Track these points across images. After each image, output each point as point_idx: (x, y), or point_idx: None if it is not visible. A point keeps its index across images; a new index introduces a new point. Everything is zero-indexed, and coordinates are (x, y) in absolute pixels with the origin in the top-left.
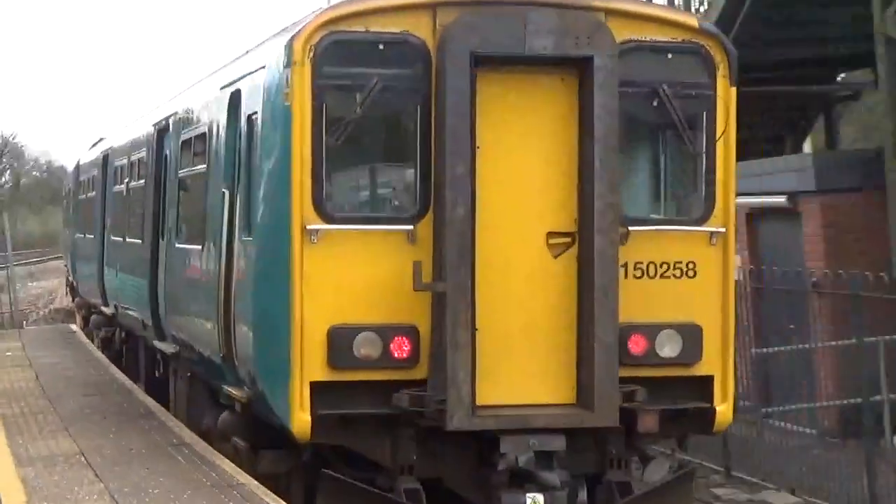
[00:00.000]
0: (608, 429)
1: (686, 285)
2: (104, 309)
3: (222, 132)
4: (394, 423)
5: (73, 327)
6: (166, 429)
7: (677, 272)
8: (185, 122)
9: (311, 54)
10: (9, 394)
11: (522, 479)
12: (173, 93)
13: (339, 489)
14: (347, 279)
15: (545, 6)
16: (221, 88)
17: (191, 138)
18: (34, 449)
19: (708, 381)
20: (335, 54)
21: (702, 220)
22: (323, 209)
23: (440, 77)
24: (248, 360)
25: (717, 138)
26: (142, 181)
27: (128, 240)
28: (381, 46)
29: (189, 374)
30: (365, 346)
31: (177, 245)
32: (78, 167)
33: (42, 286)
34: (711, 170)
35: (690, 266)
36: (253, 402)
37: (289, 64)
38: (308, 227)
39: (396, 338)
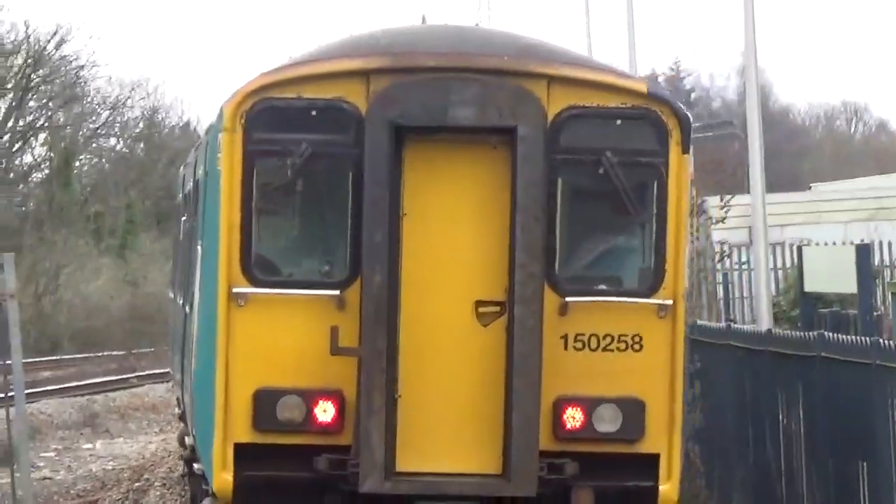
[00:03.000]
0: (548, 502)
1: (630, 359)
2: (178, 410)
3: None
4: (321, 489)
5: None
6: None
7: (622, 345)
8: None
9: (242, 120)
10: None
11: None
12: None
13: None
14: (275, 342)
15: (470, 75)
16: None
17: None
18: None
19: (653, 458)
20: (266, 120)
21: (650, 292)
22: (250, 273)
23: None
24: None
25: (666, 207)
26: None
27: (177, 301)
28: (313, 112)
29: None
30: (288, 410)
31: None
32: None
33: (127, 452)
34: (662, 239)
35: (636, 339)
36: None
37: (222, 129)
38: (234, 290)
39: (321, 401)
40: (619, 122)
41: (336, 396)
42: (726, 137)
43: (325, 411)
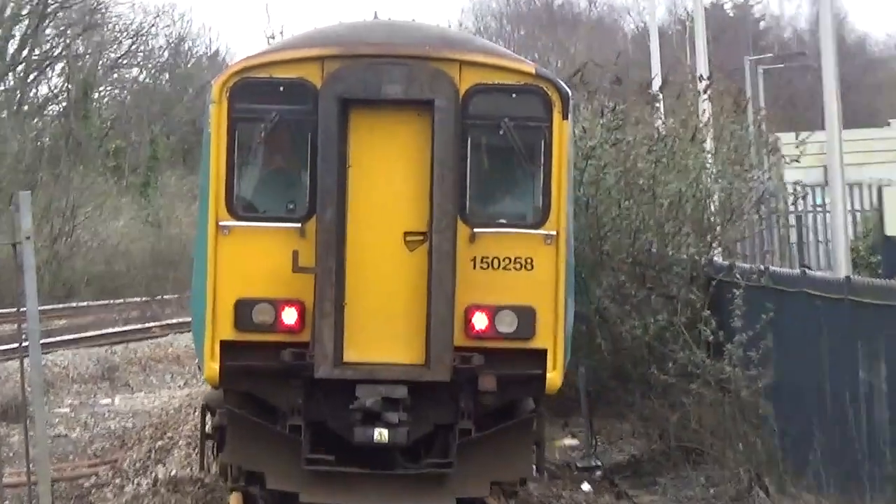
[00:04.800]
0: (459, 387)
1: (524, 276)
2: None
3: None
4: (286, 375)
5: None
6: None
7: (517, 265)
8: None
9: (227, 94)
10: None
11: (374, 419)
12: None
13: (242, 423)
14: (251, 263)
15: (399, 60)
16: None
17: None
18: None
19: (542, 353)
20: (245, 94)
21: (538, 225)
22: (233, 210)
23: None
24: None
25: (551, 160)
26: None
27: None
28: (281, 88)
29: None
30: (261, 315)
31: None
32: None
33: (149, 407)
34: (548, 185)
35: (529, 261)
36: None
37: (211, 101)
38: (221, 223)
39: (287, 308)
40: (514, 95)
41: (298, 304)
42: (798, 70)
43: (289, 316)
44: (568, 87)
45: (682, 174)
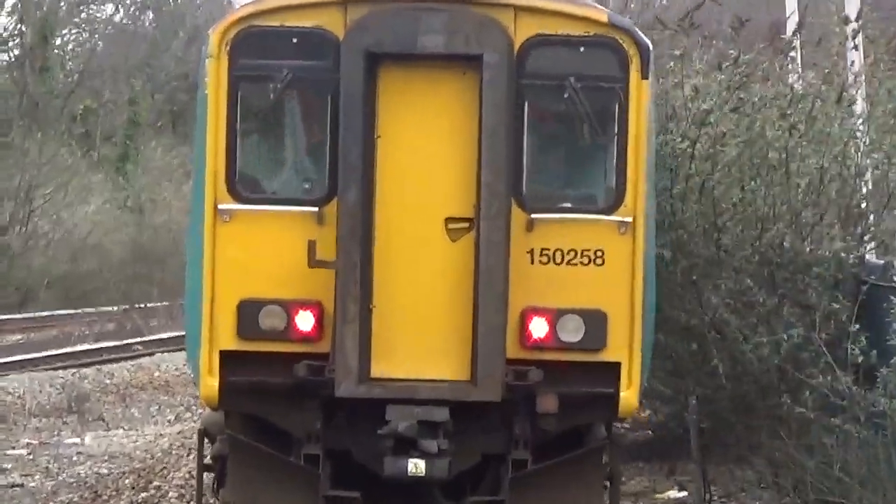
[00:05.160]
0: (513, 409)
1: (593, 272)
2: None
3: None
4: (300, 394)
5: None
6: None
7: (585, 259)
8: None
9: (227, 47)
10: None
11: (408, 447)
12: None
13: (247, 453)
14: (258, 256)
15: (439, 5)
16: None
17: None
18: None
19: (614, 367)
20: (250, 47)
21: (611, 210)
22: (235, 191)
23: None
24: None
25: (627, 130)
26: None
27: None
28: (294, 40)
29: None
30: (270, 319)
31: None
32: None
33: (129, 449)
34: (623, 160)
35: (598, 254)
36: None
37: (208, 55)
38: (220, 206)
39: (301, 311)
40: (582, 49)
41: (315, 307)
42: None
43: (304, 321)
44: (677, 30)
45: (824, 146)
